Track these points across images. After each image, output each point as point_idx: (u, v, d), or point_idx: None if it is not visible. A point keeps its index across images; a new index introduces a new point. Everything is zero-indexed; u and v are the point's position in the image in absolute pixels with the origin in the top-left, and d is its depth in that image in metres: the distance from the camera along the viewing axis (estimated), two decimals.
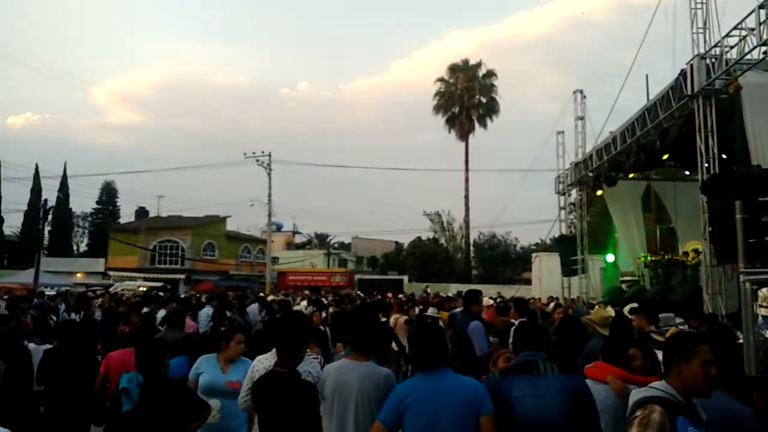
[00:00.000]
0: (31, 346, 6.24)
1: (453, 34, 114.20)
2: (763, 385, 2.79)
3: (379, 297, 20.20)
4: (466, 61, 47.65)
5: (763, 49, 10.42)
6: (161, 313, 10.25)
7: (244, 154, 35.12)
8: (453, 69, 47.45)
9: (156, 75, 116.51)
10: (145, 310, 9.60)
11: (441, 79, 47.61)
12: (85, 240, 57.61)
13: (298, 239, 61.41)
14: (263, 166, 35.28)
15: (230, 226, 46.33)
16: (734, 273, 9.85)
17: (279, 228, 52.00)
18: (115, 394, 4.68)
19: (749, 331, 5.18)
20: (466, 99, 46.05)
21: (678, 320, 8.36)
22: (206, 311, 11.52)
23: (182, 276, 38.46)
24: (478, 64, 47.23)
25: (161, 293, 20.40)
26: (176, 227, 42.30)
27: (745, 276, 4.59)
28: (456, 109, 46.46)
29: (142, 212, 53.33)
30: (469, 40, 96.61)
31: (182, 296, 20.98)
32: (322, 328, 8.23)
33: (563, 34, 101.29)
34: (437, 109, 47.27)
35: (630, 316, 6.15)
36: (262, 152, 35.18)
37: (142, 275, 36.55)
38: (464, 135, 46.29)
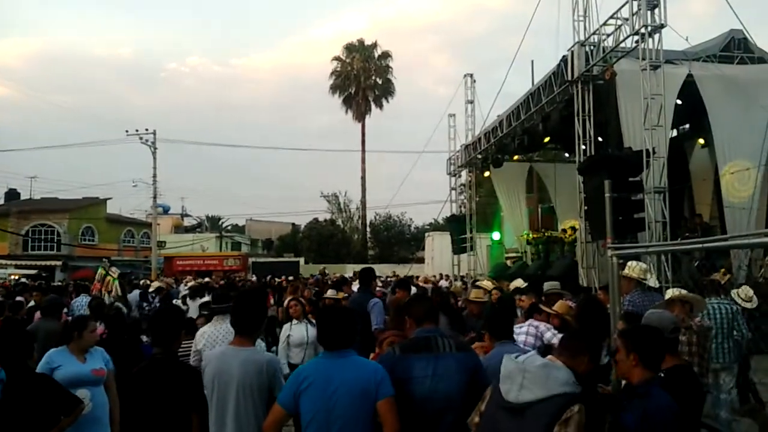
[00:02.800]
0: None
1: (349, 12, 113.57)
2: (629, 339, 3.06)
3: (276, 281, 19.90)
4: (361, 42, 47.53)
5: (635, 38, 11.17)
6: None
7: (126, 131, 33.11)
8: (349, 49, 47.20)
9: (29, 45, 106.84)
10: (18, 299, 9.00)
11: (337, 59, 47.26)
12: None
13: (187, 222, 59.03)
14: (147, 145, 33.43)
15: (111, 208, 44.36)
16: (604, 248, 10.58)
17: (166, 210, 49.79)
18: None
19: (616, 302, 5.53)
20: (363, 80, 46.02)
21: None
22: (81, 299, 10.81)
23: (58, 262, 36.26)
24: (374, 45, 47.31)
25: (34, 281, 18.87)
26: (51, 210, 39.73)
27: (612, 251, 4.89)
28: (352, 90, 46.33)
29: (12, 194, 48.81)
30: (366, 20, 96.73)
31: (57, 284, 19.62)
32: None
33: (458, 18, 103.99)
34: (334, 89, 46.96)
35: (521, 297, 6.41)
36: (146, 130, 33.35)
37: (13, 262, 34.30)
38: (361, 116, 46.37)
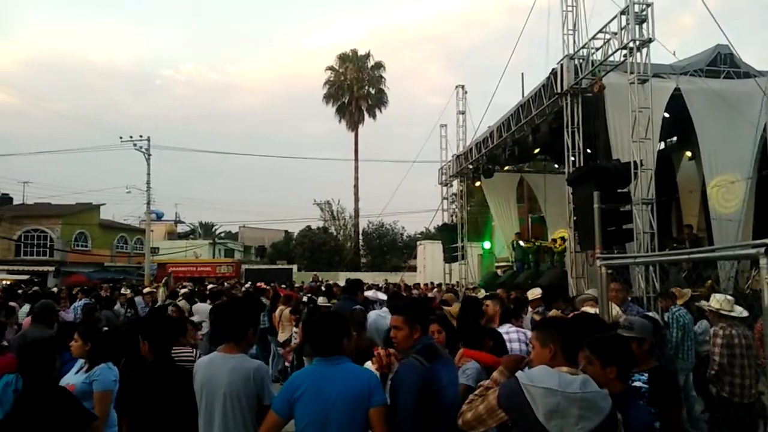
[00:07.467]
0: None
1: (343, 22, 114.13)
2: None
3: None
4: (355, 51, 47.72)
5: (624, 52, 11.35)
6: (26, 309, 9.58)
7: (120, 138, 33.11)
8: (342, 58, 47.35)
9: (24, 50, 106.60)
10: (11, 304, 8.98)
11: (331, 68, 47.43)
12: None
13: (181, 229, 58.96)
14: (141, 151, 33.43)
15: (105, 214, 44.30)
16: (593, 258, 10.70)
17: (159, 217, 49.72)
18: None
19: (605, 312, 5.63)
20: (356, 89, 46.18)
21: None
22: (78, 305, 10.87)
23: (51, 268, 36.12)
24: (367, 55, 47.51)
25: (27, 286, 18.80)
26: (44, 215, 39.51)
27: (600, 261, 4.99)
28: (346, 99, 46.49)
29: (4, 199, 48.56)
30: (359, 30, 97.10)
31: (51, 290, 19.52)
32: None
33: (450, 30, 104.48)
34: (327, 98, 47.08)
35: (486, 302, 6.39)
36: (140, 136, 33.37)
37: (5, 268, 34.03)
38: (354, 125, 46.47)
